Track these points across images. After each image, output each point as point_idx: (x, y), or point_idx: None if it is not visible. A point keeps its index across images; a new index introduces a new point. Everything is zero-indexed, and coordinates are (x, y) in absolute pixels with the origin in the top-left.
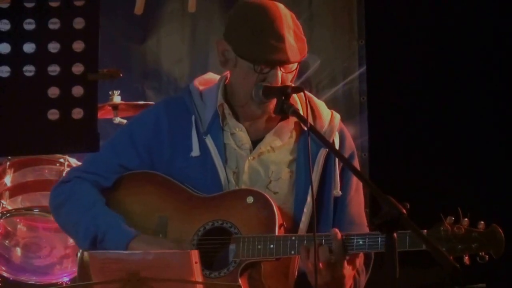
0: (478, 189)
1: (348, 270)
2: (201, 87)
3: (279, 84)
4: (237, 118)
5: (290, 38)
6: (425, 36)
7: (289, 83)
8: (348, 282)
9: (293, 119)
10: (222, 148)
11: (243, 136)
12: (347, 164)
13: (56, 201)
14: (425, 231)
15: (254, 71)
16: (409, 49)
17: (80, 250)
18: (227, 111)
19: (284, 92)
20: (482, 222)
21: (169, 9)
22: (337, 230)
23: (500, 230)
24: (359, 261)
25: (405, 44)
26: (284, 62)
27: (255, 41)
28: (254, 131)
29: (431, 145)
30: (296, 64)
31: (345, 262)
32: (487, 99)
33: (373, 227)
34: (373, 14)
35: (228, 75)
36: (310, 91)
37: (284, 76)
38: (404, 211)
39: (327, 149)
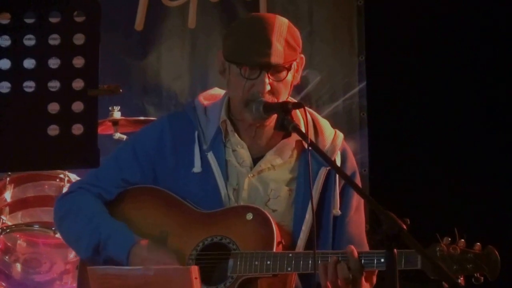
0: (477, 206)
1: (365, 287)
2: (205, 102)
3: (267, 90)
4: (239, 134)
5: (278, 45)
6: (425, 51)
7: (282, 92)
8: None
9: (295, 137)
10: (224, 165)
11: (244, 153)
12: (347, 180)
13: (60, 213)
14: None
15: (242, 76)
16: (409, 64)
17: (80, 263)
18: (229, 127)
19: (284, 108)
20: (478, 243)
21: (169, 25)
22: (353, 247)
23: (496, 252)
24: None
25: (405, 59)
26: (266, 64)
27: (241, 45)
28: (256, 148)
29: (431, 161)
30: (286, 73)
31: (363, 279)
32: (489, 115)
33: (374, 242)
34: (373, 30)
35: None
36: (310, 107)
37: (276, 84)
38: (405, 226)
39: (327, 168)
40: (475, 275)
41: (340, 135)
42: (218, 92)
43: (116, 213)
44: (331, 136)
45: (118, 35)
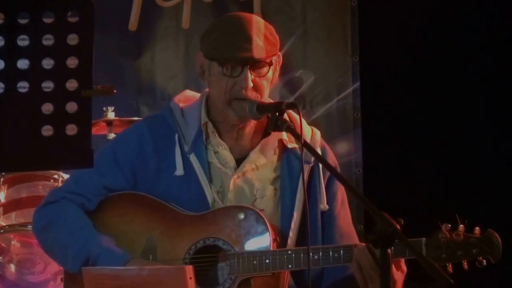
0: (473, 206)
1: (398, 275)
2: (181, 104)
3: (250, 87)
4: (220, 136)
5: (258, 40)
6: (418, 52)
7: (265, 88)
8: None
9: (276, 136)
10: (207, 167)
11: (227, 155)
12: (341, 180)
13: (42, 222)
14: (424, 239)
15: (224, 75)
16: (403, 64)
17: (64, 275)
18: (210, 129)
19: (278, 108)
20: (477, 228)
21: (163, 25)
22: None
23: (496, 234)
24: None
25: (399, 59)
26: (249, 59)
27: (222, 42)
28: (238, 149)
29: (425, 161)
30: (267, 68)
31: (393, 267)
32: (481, 113)
33: (368, 243)
34: (367, 30)
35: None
36: (304, 107)
37: (258, 81)
38: (398, 227)
39: (310, 165)
40: (478, 258)
41: (318, 132)
42: (191, 94)
43: (99, 222)
44: (309, 133)
45: (112, 36)
